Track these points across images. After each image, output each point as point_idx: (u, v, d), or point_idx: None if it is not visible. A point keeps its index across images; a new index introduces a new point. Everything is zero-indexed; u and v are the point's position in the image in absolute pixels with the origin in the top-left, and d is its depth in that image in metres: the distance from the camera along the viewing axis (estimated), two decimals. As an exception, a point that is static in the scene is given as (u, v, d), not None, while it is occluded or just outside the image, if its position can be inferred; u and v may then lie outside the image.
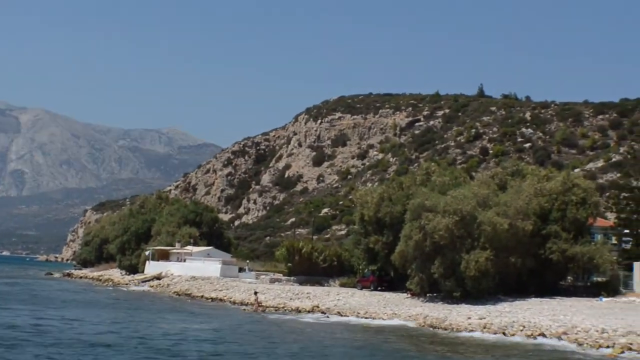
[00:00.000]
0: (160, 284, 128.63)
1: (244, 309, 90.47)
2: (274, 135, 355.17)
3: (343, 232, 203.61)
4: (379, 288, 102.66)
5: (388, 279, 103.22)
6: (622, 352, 52.17)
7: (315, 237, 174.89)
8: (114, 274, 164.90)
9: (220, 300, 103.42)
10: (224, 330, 66.92)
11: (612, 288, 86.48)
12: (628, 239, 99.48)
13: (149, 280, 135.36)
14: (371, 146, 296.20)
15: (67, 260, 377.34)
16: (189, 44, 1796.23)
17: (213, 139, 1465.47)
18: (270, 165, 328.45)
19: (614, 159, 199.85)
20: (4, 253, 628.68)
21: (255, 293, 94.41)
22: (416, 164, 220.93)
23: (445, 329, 68.75)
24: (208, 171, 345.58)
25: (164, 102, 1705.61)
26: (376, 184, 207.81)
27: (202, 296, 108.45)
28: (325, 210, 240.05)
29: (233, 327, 70.40)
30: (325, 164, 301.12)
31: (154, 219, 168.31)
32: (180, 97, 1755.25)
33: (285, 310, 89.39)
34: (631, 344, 53.27)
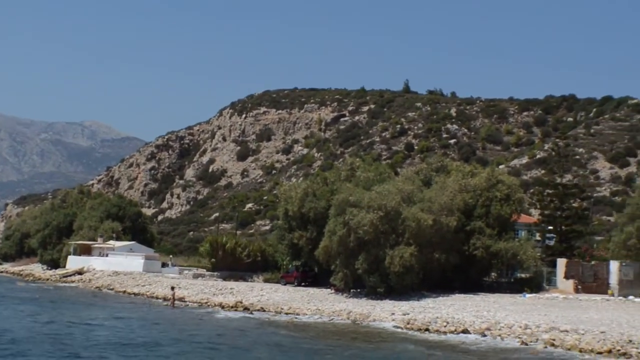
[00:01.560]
0: (82, 279, 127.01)
1: (166, 304, 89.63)
2: (198, 130, 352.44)
3: (267, 228, 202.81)
4: (303, 283, 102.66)
5: (312, 275, 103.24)
6: (545, 347, 52.23)
7: (239, 232, 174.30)
8: (35, 268, 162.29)
9: (143, 295, 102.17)
10: (137, 322, 67.40)
11: (535, 284, 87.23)
12: (552, 235, 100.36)
13: (70, 275, 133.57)
14: (296, 141, 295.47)
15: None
16: (111, 37, 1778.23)
17: (137, 133, 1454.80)
18: (194, 159, 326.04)
19: (538, 156, 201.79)
20: None
21: (172, 288, 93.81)
22: (341, 159, 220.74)
23: (369, 325, 68.49)
24: (131, 165, 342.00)
25: (86, 94, 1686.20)
26: (301, 179, 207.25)
27: (124, 291, 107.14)
28: (250, 205, 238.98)
29: (149, 320, 70.56)
30: (250, 158, 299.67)
31: (75, 213, 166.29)
32: (103, 90, 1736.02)
33: (208, 305, 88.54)
34: (554, 339, 53.48)
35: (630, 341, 49.88)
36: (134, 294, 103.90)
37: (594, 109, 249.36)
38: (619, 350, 48.88)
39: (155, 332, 61.05)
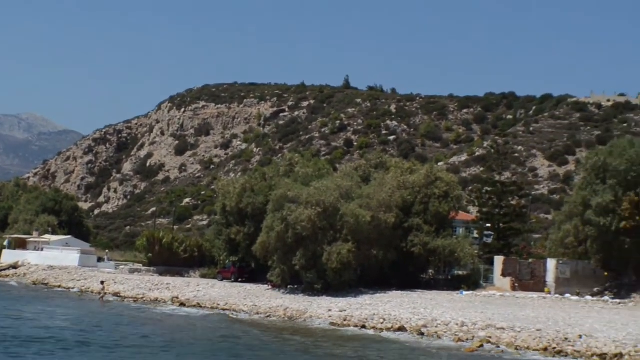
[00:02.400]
0: (16, 273, 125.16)
1: (100, 299, 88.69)
2: (136, 124, 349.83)
3: (205, 223, 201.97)
4: (240, 279, 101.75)
5: (249, 270, 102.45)
6: (482, 345, 52.25)
7: (176, 227, 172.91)
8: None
9: (77, 289, 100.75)
10: (70, 316, 66.97)
11: (472, 282, 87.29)
12: (489, 233, 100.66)
13: (5, 269, 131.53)
14: (235, 136, 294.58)
15: None
16: (48, 29, 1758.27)
17: (74, 126, 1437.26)
18: (132, 153, 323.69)
19: (477, 153, 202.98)
20: None
21: (102, 282, 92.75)
22: (280, 155, 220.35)
23: (306, 321, 68.31)
24: (68, 158, 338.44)
25: (23, 86, 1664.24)
26: (239, 174, 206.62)
27: (59, 285, 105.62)
28: (187, 200, 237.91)
29: (80, 314, 69.94)
30: (188, 153, 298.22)
31: (11, 206, 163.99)
32: (41, 82, 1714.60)
33: (144, 301, 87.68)
34: (490, 337, 53.57)
35: (566, 339, 50.03)
36: (69, 288, 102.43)
37: (534, 107, 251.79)
38: (554, 348, 49.03)
39: (70, 327, 60.14)
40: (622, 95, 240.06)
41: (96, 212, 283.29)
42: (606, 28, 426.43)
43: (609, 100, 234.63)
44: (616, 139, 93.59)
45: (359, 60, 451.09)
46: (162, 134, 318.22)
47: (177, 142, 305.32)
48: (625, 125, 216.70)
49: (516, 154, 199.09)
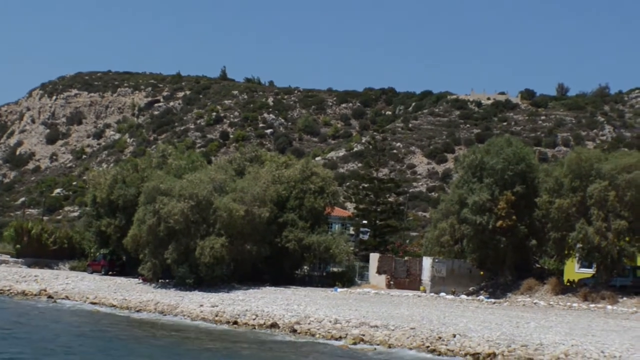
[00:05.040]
0: None
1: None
2: (5, 110, 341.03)
3: (76, 214, 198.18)
4: (111, 272, 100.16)
5: (120, 264, 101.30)
6: (355, 343, 51.58)
7: (46, 218, 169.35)
8: None
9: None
10: None
11: (347, 279, 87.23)
12: (366, 229, 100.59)
13: None
14: (108, 126, 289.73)
15: None
16: None
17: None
18: (1, 141, 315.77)
19: (355, 149, 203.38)
20: None
21: None
22: (154, 146, 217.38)
23: (176, 316, 67.51)
24: None
25: None
26: (112, 165, 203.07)
27: None
28: (58, 190, 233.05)
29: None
30: (60, 142, 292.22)
31: None
32: None
33: (10, 293, 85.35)
34: (363, 335, 52.88)
35: (440, 338, 49.50)
36: None
37: (413, 104, 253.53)
38: (428, 346, 48.51)
39: None
40: (502, 93, 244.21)
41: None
42: (487, 26, 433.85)
43: (489, 99, 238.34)
44: (495, 137, 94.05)
45: (237, 51, 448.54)
46: (33, 121, 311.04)
47: (48, 130, 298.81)
48: (505, 123, 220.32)
49: (395, 151, 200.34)
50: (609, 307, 66.46)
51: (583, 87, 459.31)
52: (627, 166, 69.26)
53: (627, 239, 69.62)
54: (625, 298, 68.42)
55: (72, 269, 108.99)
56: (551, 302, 70.06)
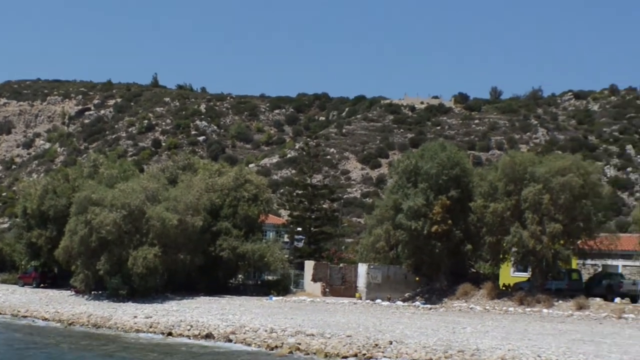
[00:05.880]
0: None
1: None
2: None
3: (6, 226, 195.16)
4: (42, 285, 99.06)
5: (52, 276, 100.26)
6: (291, 352, 51.22)
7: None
8: None
9: None
10: None
11: (282, 287, 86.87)
12: (301, 237, 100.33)
13: None
14: (38, 135, 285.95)
15: None
16: None
17: None
18: None
19: (289, 155, 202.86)
20: None
21: None
22: (85, 155, 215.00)
23: (110, 328, 66.55)
24: None
25: None
26: (42, 175, 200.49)
27: None
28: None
29: None
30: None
31: None
32: None
33: None
34: (299, 344, 52.56)
35: (377, 345, 49.39)
36: None
37: (347, 109, 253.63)
38: (364, 354, 48.24)
39: None
40: (435, 97, 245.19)
41: None
42: (420, 30, 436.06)
43: (422, 103, 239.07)
44: (429, 142, 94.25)
45: (168, 57, 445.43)
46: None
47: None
48: (438, 127, 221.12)
49: (328, 157, 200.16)
50: (545, 310, 66.82)
51: (516, 90, 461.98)
52: (561, 169, 69.65)
53: (561, 242, 70.01)
54: (560, 301, 68.83)
55: (3, 282, 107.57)
56: (487, 307, 70.29)
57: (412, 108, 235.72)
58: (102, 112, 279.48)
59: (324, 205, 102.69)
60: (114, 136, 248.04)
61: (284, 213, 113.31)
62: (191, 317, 65.52)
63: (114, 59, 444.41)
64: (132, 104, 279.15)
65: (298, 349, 51.79)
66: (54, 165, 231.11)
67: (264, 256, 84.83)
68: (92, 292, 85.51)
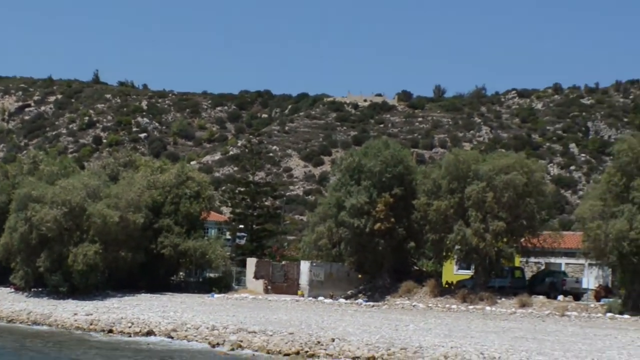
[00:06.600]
0: None
1: None
2: None
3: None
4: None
5: None
6: (233, 349, 51.26)
7: None
8: None
9: None
10: None
11: (224, 284, 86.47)
12: (243, 234, 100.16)
13: None
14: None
15: None
16: None
17: None
18: None
19: (231, 152, 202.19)
20: None
21: None
22: (25, 152, 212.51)
23: (50, 326, 66.37)
24: None
25: None
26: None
27: None
28: None
29: None
30: None
31: None
32: None
33: None
34: (241, 341, 52.65)
35: (319, 342, 49.51)
36: None
37: (290, 106, 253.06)
38: (307, 351, 48.40)
39: None
40: (379, 95, 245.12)
41: None
42: (362, 28, 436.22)
43: (365, 100, 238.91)
44: (372, 140, 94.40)
45: (109, 54, 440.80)
46: None
47: None
48: (381, 125, 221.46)
49: (271, 154, 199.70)
50: (488, 308, 67.24)
51: (460, 88, 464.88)
52: (504, 167, 70.07)
53: (504, 240, 70.50)
54: (503, 299, 69.32)
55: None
56: (430, 305, 70.63)
57: (355, 106, 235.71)
58: (43, 108, 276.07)
59: (267, 203, 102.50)
60: (54, 133, 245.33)
61: (226, 210, 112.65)
62: (132, 315, 65.22)
63: (55, 55, 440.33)
64: (72, 100, 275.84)
65: (240, 346, 51.83)
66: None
67: (206, 253, 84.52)
68: (32, 290, 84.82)
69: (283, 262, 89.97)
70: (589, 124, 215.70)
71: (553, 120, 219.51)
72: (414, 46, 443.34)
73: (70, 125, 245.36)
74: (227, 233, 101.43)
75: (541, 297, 69.80)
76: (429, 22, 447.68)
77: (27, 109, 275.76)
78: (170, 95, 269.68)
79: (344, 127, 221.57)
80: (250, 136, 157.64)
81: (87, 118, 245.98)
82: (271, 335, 52.50)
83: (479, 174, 70.36)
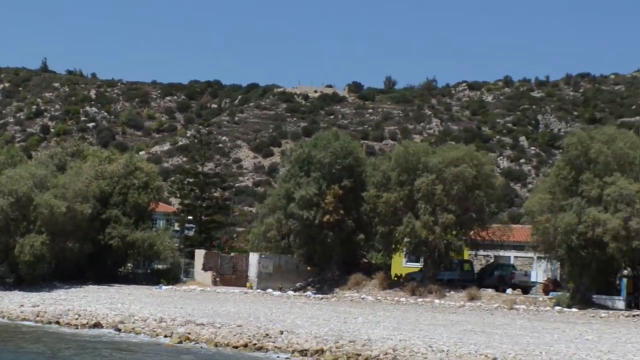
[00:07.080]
0: None
1: None
2: None
3: None
4: None
5: None
6: (181, 342, 50.62)
7: None
8: None
9: None
10: None
11: (172, 276, 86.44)
12: (191, 225, 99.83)
13: None
14: None
15: None
16: None
17: None
18: None
19: (180, 143, 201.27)
20: None
21: None
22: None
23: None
24: None
25: None
26: None
27: None
28: None
29: None
30: None
31: None
32: None
33: None
34: (189, 333, 52.11)
35: (267, 335, 49.22)
36: None
37: (239, 97, 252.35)
38: (255, 344, 47.94)
39: None
40: (329, 86, 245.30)
41: None
42: (313, 18, 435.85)
43: (316, 92, 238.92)
44: (322, 131, 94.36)
45: (58, 41, 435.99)
46: None
47: None
48: (332, 117, 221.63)
49: (220, 145, 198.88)
50: (437, 301, 67.52)
51: (410, 80, 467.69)
52: (454, 160, 70.34)
53: (454, 232, 70.87)
54: (452, 292, 69.69)
55: None
56: (379, 297, 70.75)
57: (306, 97, 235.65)
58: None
59: (215, 194, 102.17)
60: (1, 122, 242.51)
61: (175, 201, 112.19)
62: (79, 306, 64.49)
63: (2, 42, 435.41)
64: (20, 89, 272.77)
65: (188, 338, 51.31)
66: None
67: (154, 245, 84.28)
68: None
69: (232, 254, 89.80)
70: (539, 117, 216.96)
71: (503, 113, 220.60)
72: (365, 37, 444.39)
73: (18, 114, 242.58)
74: (176, 224, 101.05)
75: (490, 290, 70.18)
76: (380, 14, 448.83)
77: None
78: (119, 84, 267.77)
79: (294, 118, 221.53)
80: (200, 126, 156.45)
81: (34, 107, 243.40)
82: (219, 328, 52.24)
83: (428, 166, 70.58)
